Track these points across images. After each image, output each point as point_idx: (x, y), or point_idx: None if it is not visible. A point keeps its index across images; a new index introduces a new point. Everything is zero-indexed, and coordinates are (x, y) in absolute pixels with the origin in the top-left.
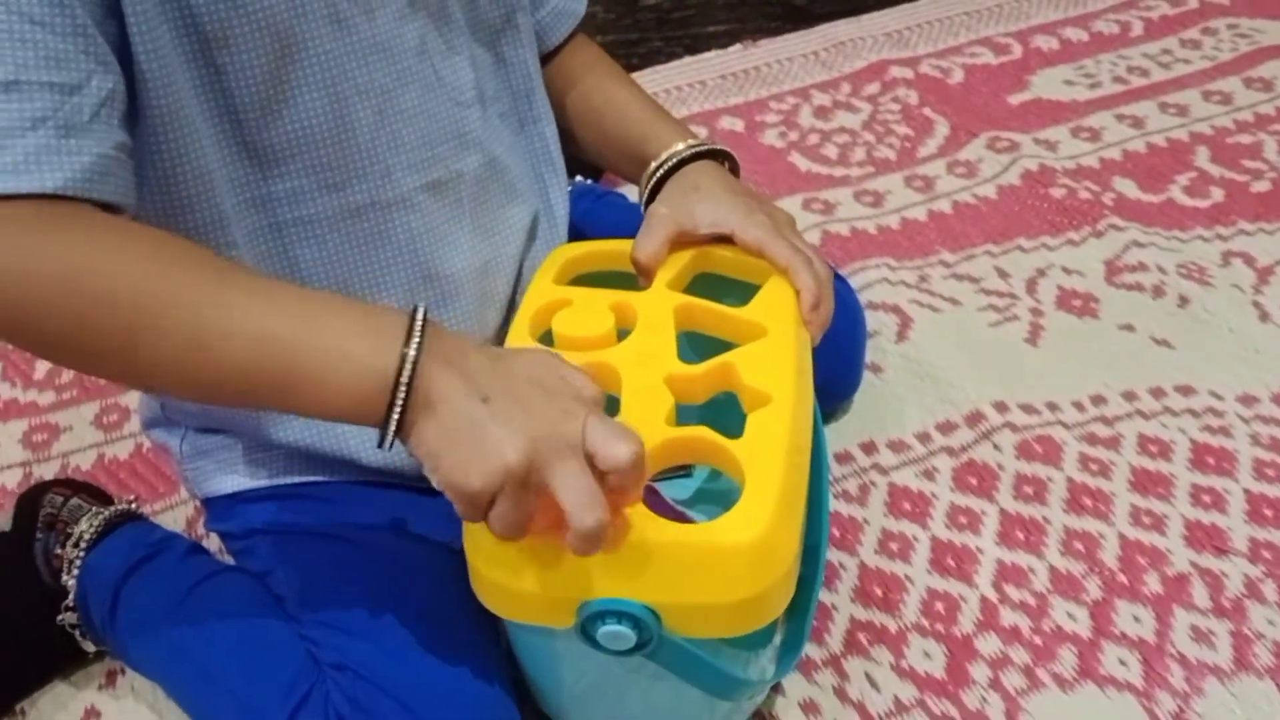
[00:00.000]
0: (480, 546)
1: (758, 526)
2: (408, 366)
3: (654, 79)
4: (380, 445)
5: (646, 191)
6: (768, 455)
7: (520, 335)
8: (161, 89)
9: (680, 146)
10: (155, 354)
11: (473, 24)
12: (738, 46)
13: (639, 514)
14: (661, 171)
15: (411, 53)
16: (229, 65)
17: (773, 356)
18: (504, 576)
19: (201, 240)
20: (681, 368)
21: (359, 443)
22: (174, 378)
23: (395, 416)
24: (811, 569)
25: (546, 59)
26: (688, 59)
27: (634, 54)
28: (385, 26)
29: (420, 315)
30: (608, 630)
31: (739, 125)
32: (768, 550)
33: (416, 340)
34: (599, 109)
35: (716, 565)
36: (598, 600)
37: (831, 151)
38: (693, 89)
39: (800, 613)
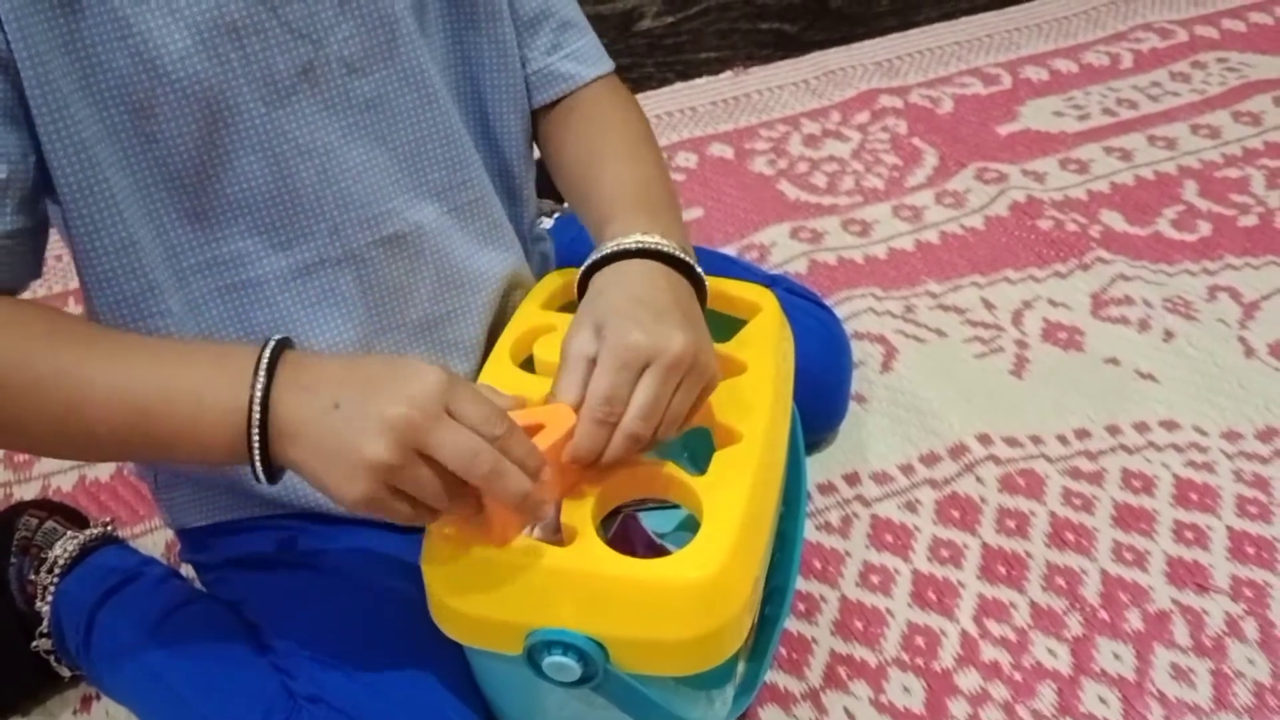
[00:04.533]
0: (437, 571)
1: (710, 565)
2: (257, 403)
3: (645, 104)
4: (260, 482)
5: (577, 284)
6: (730, 494)
7: (501, 359)
8: (74, 167)
9: (626, 242)
10: (37, 425)
11: (453, 66)
12: (729, 73)
13: (593, 545)
14: (595, 261)
15: (360, 108)
16: (159, 134)
17: (748, 394)
18: (458, 600)
19: (129, 311)
20: None
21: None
22: (62, 445)
23: (257, 453)
24: (776, 609)
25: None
26: (679, 85)
27: (626, 79)
28: (332, 85)
29: (269, 348)
30: (553, 661)
31: (728, 152)
32: (720, 590)
33: (264, 374)
34: (581, 176)
35: (666, 602)
36: (544, 630)
37: (820, 180)
38: (683, 115)
39: (759, 654)
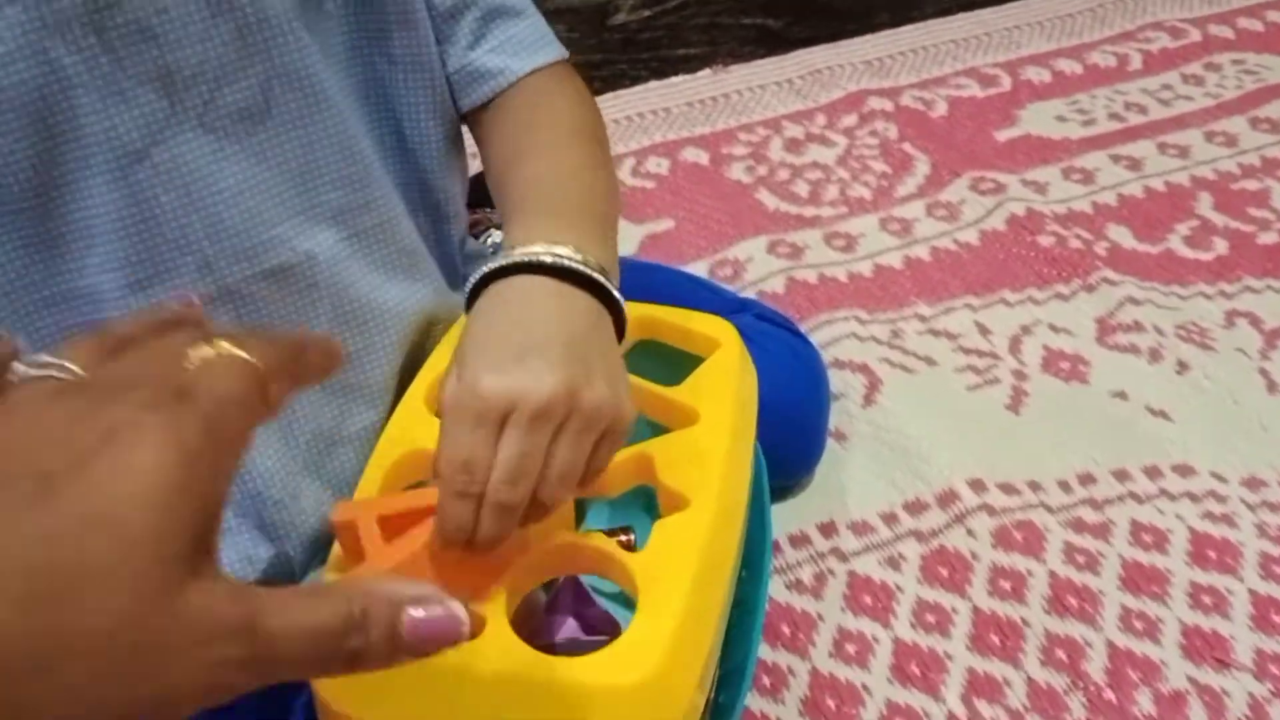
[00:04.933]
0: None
1: (647, 665)
2: None
3: (615, 105)
4: None
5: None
6: (671, 575)
7: (413, 407)
8: None
9: (513, 256)
10: None
11: (353, 72)
12: (708, 71)
13: (505, 642)
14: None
15: (230, 119)
16: None
17: (699, 449)
18: (352, 708)
19: None
20: None
21: None
22: None
23: None
24: (732, 696)
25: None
26: (653, 84)
27: (596, 77)
28: (193, 93)
29: None
30: None
31: (703, 158)
32: (658, 692)
33: None
34: (500, 180)
35: (595, 710)
36: None
37: (802, 189)
38: (656, 116)
39: None
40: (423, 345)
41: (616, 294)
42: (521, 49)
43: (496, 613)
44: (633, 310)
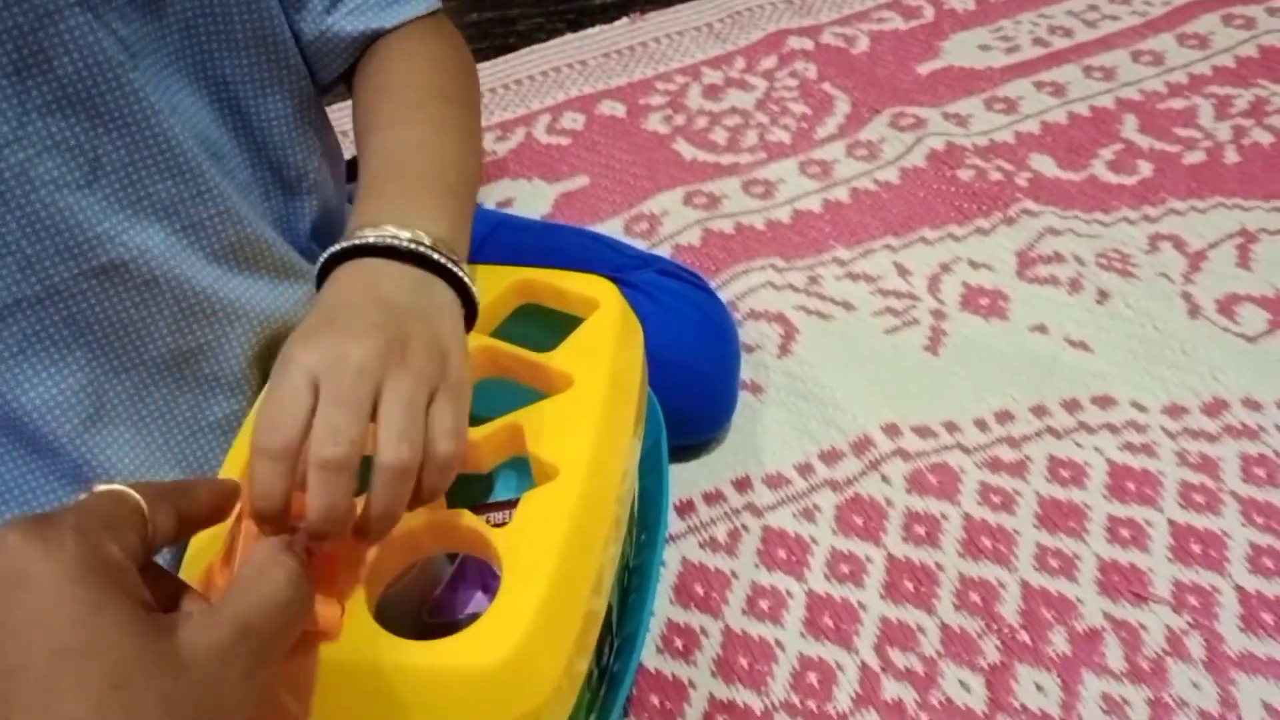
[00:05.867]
0: None
1: (508, 644)
2: None
3: (529, 61)
4: None
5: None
6: (537, 549)
7: None
8: None
9: (344, 243)
10: None
11: (175, 60)
12: (624, 20)
13: (365, 628)
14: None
15: (38, 110)
16: None
17: (571, 415)
18: None
19: None
20: None
21: None
22: None
23: None
24: (624, 665)
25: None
26: (569, 36)
27: (511, 32)
28: None
29: None
30: None
31: (620, 110)
32: (522, 671)
33: None
34: (358, 145)
35: (459, 692)
36: None
37: (720, 136)
38: (572, 70)
39: (604, 718)
40: (286, 333)
41: (459, 272)
42: (379, 8)
43: (357, 600)
44: (511, 274)
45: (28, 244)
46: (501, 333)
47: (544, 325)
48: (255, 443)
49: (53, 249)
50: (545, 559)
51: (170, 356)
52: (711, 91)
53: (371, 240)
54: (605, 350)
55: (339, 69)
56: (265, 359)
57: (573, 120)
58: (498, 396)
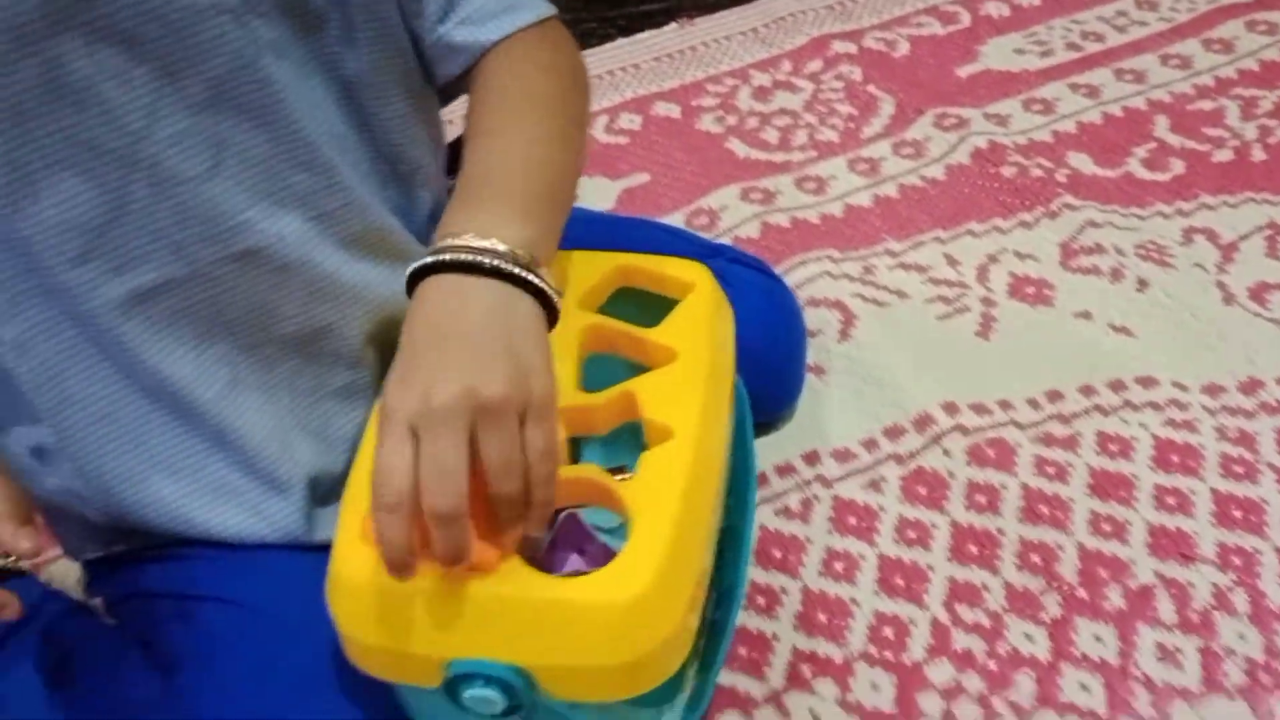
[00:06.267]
0: (343, 603)
1: (638, 583)
2: None
3: (587, 63)
4: None
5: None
6: (660, 500)
7: None
8: None
9: (436, 253)
10: None
11: (308, 60)
12: (673, 25)
13: (511, 566)
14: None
15: (190, 111)
16: None
17: (679, 384)
18: (367, 634)
19: None
20: (580, 398)
21: (215, 523)
22: None
23: None
24: (725, 614)
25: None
26: (621, 40)
27: None
28: (151, 88)
29: None
30: (474, 694)
31: (674, 111)
32: (650, 609)
33: None
34: (464, 149)
35: (591, 626)
36: (462, 661)
37: (772, 136)
38: (625, 73)
39: (709, 663)
40: (403, 309)
41: (536, 281)
42: (489, 17)
43: (508, 546)
44: (611, 259)
45: (177, 231)
46: (600, 313)
47: (636, 307)
48: (374, 500)
49: (199, 235)
50: (668, 509)
51: (298, 334)
52: (760, 93)
53: (449, 259)
54: (704, 327)
55: (453, 73)
56: (380, 336)
57: (630, 120)
58: (595, 368)
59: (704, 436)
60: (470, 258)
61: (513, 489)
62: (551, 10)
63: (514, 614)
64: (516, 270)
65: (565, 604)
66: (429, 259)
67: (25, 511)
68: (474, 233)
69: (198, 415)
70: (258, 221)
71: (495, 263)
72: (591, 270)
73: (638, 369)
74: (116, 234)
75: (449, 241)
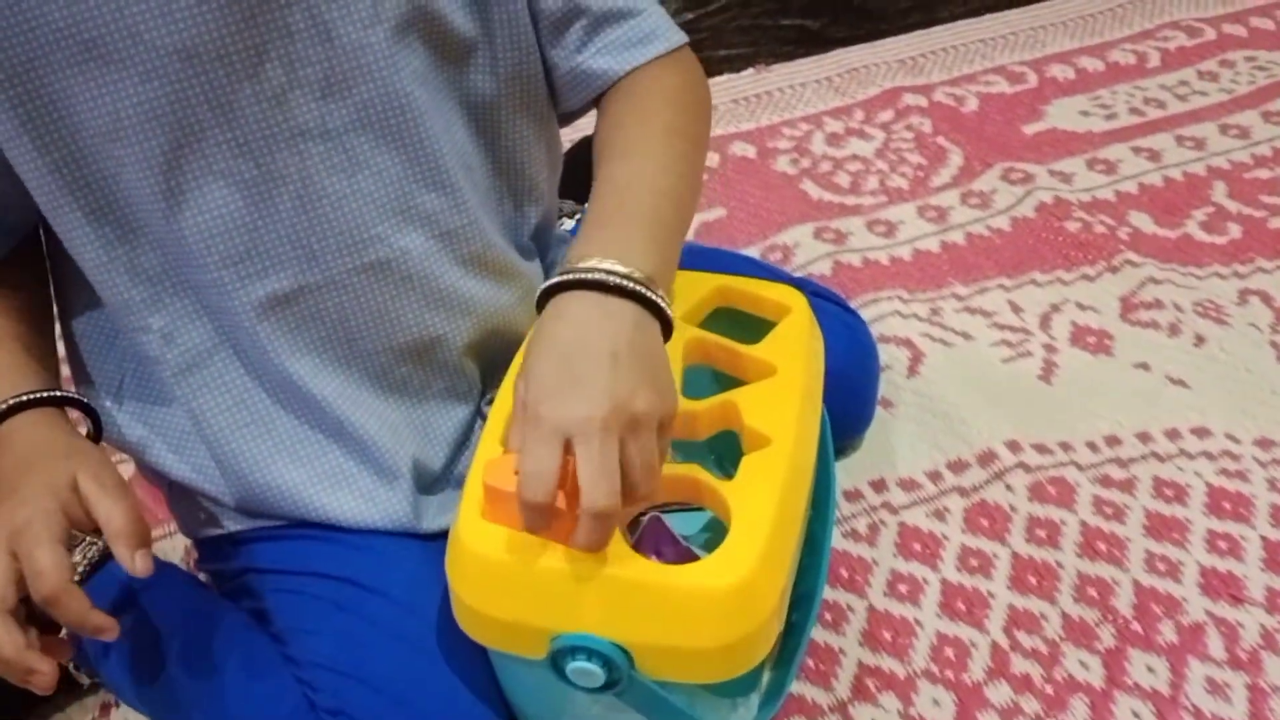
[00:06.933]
0: (462, 573)
1: (739, 572)
2: None
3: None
4: None
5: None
6: (759, 499)
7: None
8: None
9: (573, 271)
10: None
11: (446, 85)
12: (750, 71)
13: (620, 550)
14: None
15: (337, 132)
16: (125, 158)
17: (777, 397)
18: (483, 603)
19: (111, 322)
20: (683, 404)
21: (333, 508)
22: None
23: None
24: (804, 616)
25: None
26: None
27: None
28: (305, 111)
29: None
30: (577, 666)
31: (751, 151)
32: (748, 597)
33: None
34: (595, 173)
35: (693, 609)
36: (569, 635)
37: (844, 180)
38: None
39: (786, 661)
40: (498, 329)
41: (660, 302)
42: (625, 48)
43: (616, 531)
44: (712, 280)
45: (315, 240)
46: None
47: (730, 325)
48: (523, 495)
49: (334, 246)
50: (767, 507)
51: (412, 344)
52: (833, 139)
53: (590, 279)
54: (800, 346)
55: (585, 99)
56: (479, 346)
57: (709, 159)
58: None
59: (798, 445)
60: (614, 280)
61: (648, 490)
62: (683, 39)
63: (624, 594)
64: (650, 294)
65: (673, 588)
66: (569, 276)
67: (145, 531)
68: (614, 258)
69: (319, 409)
70: (387, 235)
71: (635, 286)
72: (695, 289)
73: (725, 382)
74: (261, 240)
75: (591, 263)
